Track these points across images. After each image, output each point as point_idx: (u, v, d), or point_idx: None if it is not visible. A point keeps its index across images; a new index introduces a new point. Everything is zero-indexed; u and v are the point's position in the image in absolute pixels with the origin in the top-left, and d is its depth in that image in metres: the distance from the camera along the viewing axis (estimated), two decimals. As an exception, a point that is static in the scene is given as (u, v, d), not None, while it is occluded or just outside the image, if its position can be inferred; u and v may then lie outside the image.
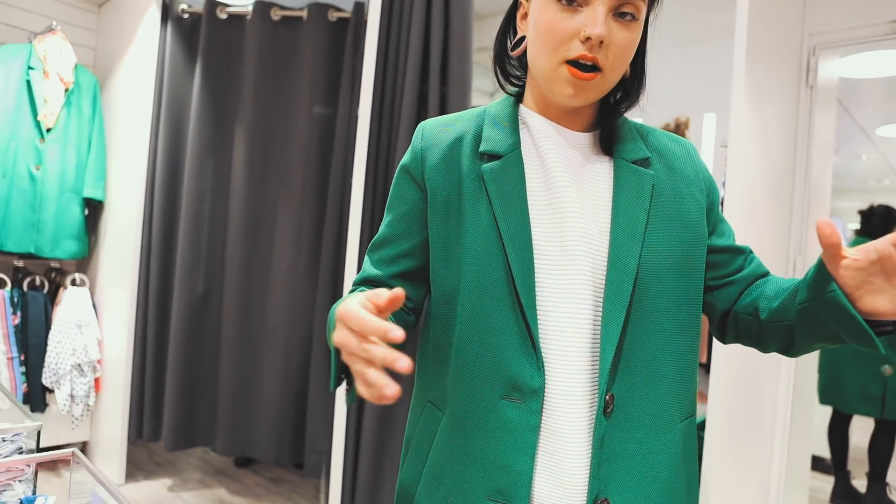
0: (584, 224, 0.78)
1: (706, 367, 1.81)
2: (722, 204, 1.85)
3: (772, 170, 2.05)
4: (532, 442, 0.74)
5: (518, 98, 0.89)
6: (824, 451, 3.46)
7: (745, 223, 1.87)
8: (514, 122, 0.86)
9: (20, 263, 2.94)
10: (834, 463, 3.34)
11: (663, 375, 0.79)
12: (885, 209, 3.31)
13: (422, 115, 2.24)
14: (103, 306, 3.03)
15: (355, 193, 2.31)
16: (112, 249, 3.01)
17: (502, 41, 0.89)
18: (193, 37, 3.01)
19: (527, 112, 0.87)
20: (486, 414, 0.77)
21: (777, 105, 2.07)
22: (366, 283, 0.89)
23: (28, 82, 2.76)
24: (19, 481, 1.21)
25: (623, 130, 0.87)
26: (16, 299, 2.82)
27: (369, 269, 0.90)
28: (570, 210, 0.79)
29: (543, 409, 0.75)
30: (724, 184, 2.07)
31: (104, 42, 3.25)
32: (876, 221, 3.30)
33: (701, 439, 1.81)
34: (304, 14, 2.86)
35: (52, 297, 2.99)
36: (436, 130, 0.88)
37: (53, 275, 3.06)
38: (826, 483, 3.49)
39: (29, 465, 1.22)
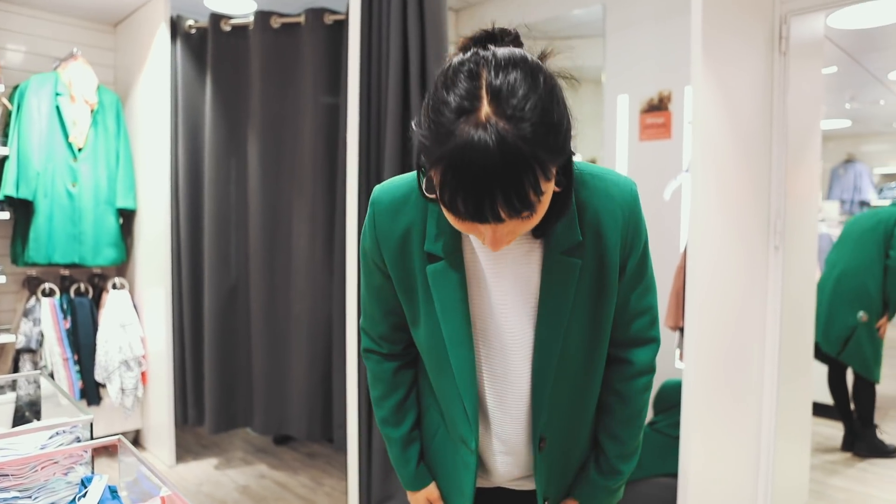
0: (511, 315, 0.94)
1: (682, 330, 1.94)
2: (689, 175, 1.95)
3: (744, 138, 2.15)
4: (470, 480, 1.03)
5: None
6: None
7: (717, 194, 1.99)
8: None
9: (66, 273, 3.22)
10: (839, 411, 3.44)
11: (580, 418, 1.03)
12: None
13: (406, 102, 2.40)
14: (143, 306, 3.31)
15: (350, 183, 2.50)
16: (146, 253, 3.28)
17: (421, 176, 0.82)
18: (202, 50, 3.21)
19: None
20: (454, 446, 1.06)
21: (749, 74, 2.16)
22: (371, 351, 1.10)
23: (57, 108, 3.01)
24: (80, 465, 1.46)
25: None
26: (65, 306, 3.11)
27: (370, 329, 1.09)
28: (498, 303, 0.94)
29: (479, 454, 1.03)
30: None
31: (122, 60, 3.47)
32: None
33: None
34: (302, 20, 3.02)
35: (97, 301, 3.28)
36: (387, 219, 0.93)
37: (96, 280, 3.35)
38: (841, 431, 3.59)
39: (86, 451, 1.47)
